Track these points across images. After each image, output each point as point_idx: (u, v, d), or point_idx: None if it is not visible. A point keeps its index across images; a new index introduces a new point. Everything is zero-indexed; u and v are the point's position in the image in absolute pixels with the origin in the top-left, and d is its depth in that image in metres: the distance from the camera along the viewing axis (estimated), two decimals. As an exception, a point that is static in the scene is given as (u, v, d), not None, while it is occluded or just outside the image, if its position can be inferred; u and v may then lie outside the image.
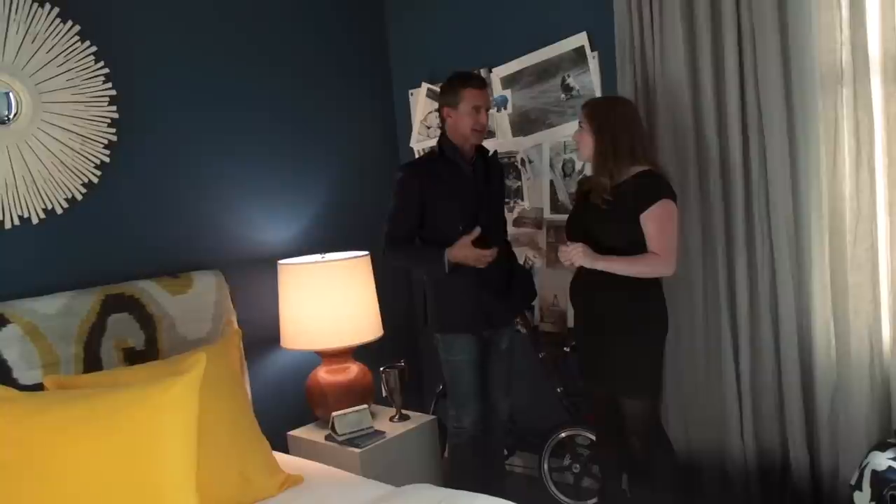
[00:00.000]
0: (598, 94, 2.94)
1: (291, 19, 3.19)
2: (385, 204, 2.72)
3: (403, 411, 2.99)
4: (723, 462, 2.76)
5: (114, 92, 2.51)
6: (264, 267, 2.98)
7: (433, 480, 2.75)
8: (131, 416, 1.82)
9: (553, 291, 3.20)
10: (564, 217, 2.75)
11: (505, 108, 3.25)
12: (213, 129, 2.86)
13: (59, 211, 2.39)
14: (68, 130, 2.40)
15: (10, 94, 2.28)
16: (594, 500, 2.88)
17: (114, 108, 2.51)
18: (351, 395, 2.87)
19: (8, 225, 2.29)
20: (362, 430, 2.79)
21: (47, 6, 2.34)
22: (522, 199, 3.28)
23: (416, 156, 3.51)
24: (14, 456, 1.75)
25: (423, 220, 2.65)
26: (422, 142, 3.53)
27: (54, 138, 2.37)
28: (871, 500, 2.11)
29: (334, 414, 2.79)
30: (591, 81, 2.97)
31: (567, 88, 3.06)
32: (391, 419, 2.96)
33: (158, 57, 2.69)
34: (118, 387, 1.95)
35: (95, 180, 2.48)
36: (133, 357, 2.41)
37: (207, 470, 1.97)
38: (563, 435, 3.01)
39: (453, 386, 2.73)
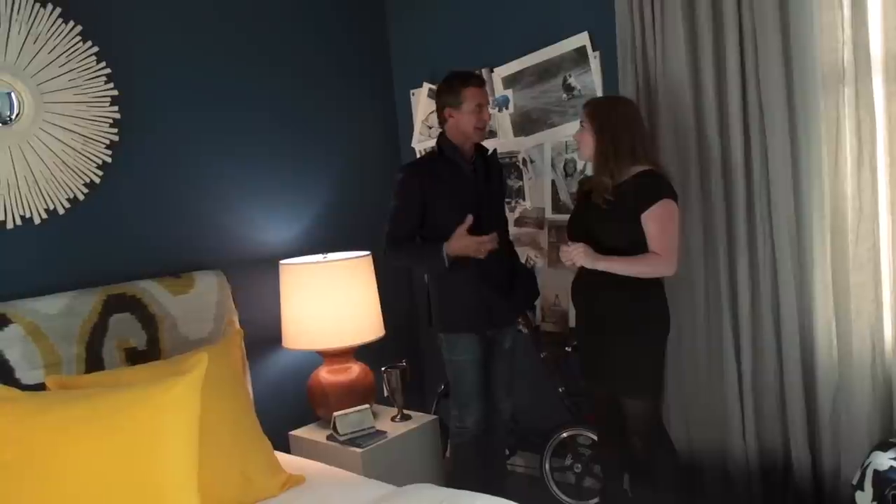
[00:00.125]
0: (599, 93, 2.94)
1: (292, 19, 3.19)
2: (386, 204, 2.72)
3: (405, 411, 2.99)
4: (724, 462, 2.76)
5: (115, 92, 2.51)
6: (266, 267, 2.99)
7: (435, 480, 2.75)
8: (133, 416, 1.82)
9: (555, 291, 3.20)
10: (566, 217, 2.75)
11: (506, 108, 3.25)
12: (214, 129, 2.87)
13: (60, 211, 2.40)
14: (70, 130, 2.41)
15: (13, 95, 2.28)
16: (595, 499, 2.88)
17: (115, 108, 2.52)
18: (352, 394, 2.87)
19: (10, 225, 2.29)
20: (364, 430, 2.79)
21: (49, 7, 2.34)
22: (524, 199, 3.28)
23: (418, 155, 3.51)
24: (16, 456, 1.75)
25: (424, 220, 2.65)
26: (423, 142, 3.53)
27: (56, 138, 2.37)
28: (873, 499, 2.11)
29: (336, 414, 2.79)
30: (592, 81, 2.97)
31: (568, 88, 3.06)
32: (393, 419, 2.96)
33: (160, 57, 2.69)
34: (120, 387, 1.95)
35: (97, 180, 2.48)
36: (135, 357, 2.41)
37: (209, 470, 1.97)
38: (564, 435, 3.01)
39: (456, 386, 2.73)
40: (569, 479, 3.03)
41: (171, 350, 2.49)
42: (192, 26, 2.81)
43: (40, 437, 1.77)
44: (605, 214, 2.38)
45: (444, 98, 2.64)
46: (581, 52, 2.98)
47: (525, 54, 3.14)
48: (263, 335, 2.96)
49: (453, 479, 2.76)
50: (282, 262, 2.93)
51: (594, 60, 2.95)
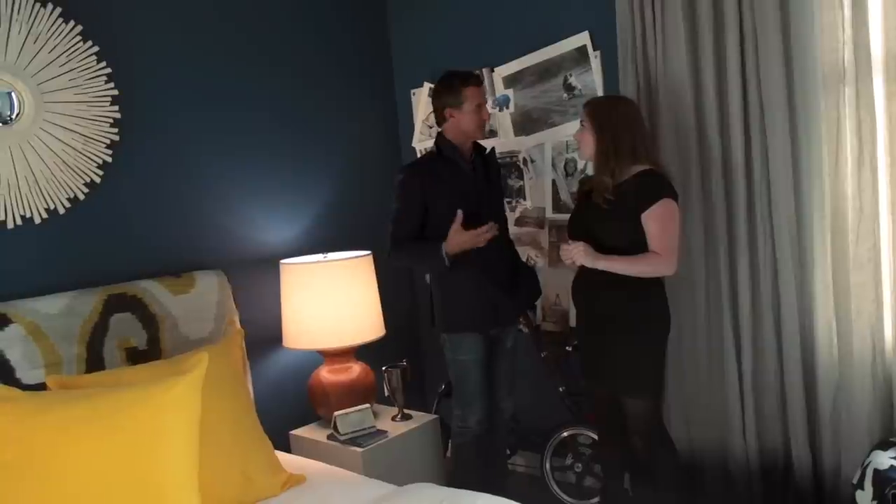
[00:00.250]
0: (599, 93, 2.94)
1: (293, 19, 3.19)
2: (387, 204, 2.72)
3: (405, 411, 2.99)
4: (725, 461, 2.76)
5: (116, 92, 2.51)
6: (266, 267, 2.99)
7: (435, 480, 2.75)
8: (133, 416, 1.82)
9: (555, 291, 3.20)
10: (566, 216, 2.75)
11: (507, 108, 3.25)
12: (215, 128, 2.87)
13: (61, 211, 2.40)
14: (70, 130, 2.41)
15: (13, 95, 2.28)
16: (596, 499, 2.88)
17: (116, 107, 2.52)
18: (353, 394, 2.87)
19: (10, 225, 2.29)
20: (364, 429, 2.80)
21: (49, 6, 2.34)
22: (525, 199, 3.28)
23: (419, 155, 3.51)
24: (16, 455, 1.75)
25: (425, 220, 2.65)
26: (424, 141, 3.53)
27: (56, 138, 2.37)
28: (874, 498, 2.11)
29: (336, 413, 2.79)
30: (593, 81, 2.97)
31: (569, 88, 3.06)
32: (393, 418, 2.96)
33: (160, 57, 2.69)
34: (120, 386, 1.95)
35: (98, 180, 2.48)
36: (135, 357, 2.41)
37: (210, 469, 1.97)
38: (565, 434, 3.01)
39: (460, 385, 2.73)
40: (569, 479, 3.04)
41: (171, 350, 2.49)
42: (193, 26, 2.81)
43: (41, 437, 1.78)
44: (605, 214, 2.38)
45: (444, 98, 2.64)
46: (582, 51, 2.98)
47: (526, 54, 3.14)
48: (264, 335, 2.96)
49: (454, 478, 2.76)
50: (282, 261, 2.93)
51: (595, 60, 2.95)
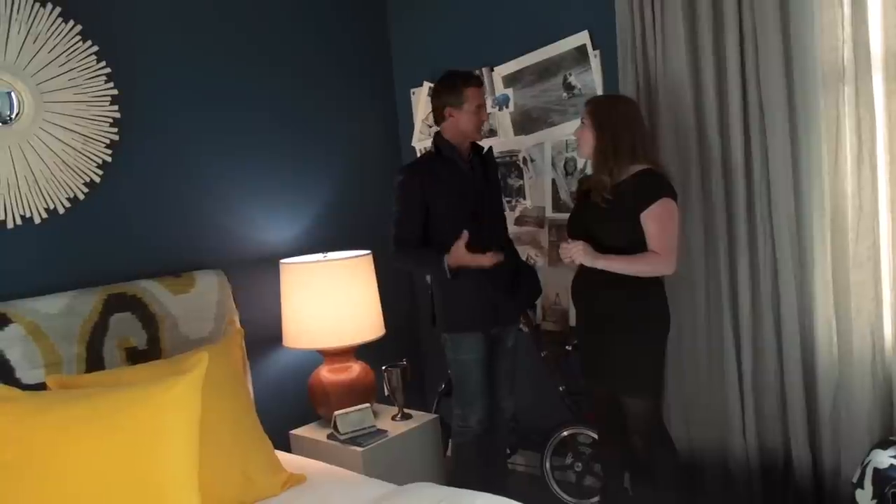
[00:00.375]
0: (599, 92, 2.93)
1: (292, 19, 3.19)
2: (387, 203, 2.72)
3: (405, 410, 2.99)
4: (725, 460, 2.76)
5: (115, 91, 2.51)
6: (266, 266, 2.99)
7: (435, 479, 2.76)
8: (133, 416, 1.82)
9: (555, 290, 3.20)
10: (566, 216, 2.75)
11: (507, 107, 3.25)
12: (214, 128, 2.87)
13: (61, 210, 2.40)
14: (70, 130, 2.41)
15: (12, 94, 2.28)
16: (596, 498, 2.88)
17: (115, 107, 2.52)
18: (353, 394, 2.87)
19: (10, 224, 2.29)
20: (364, 429, 2.80)
21: (49, 6, 2.34)
22: (524, 198, 3.28)
23: (419, 154, 3.51)
24: (16, 455, 1.75)
25: (427, 219, 2.65)
26: (423, 141, 3.53)
27: (56, 138, 2.37)
28: (873, 497, 2.11)
29: (336, 413, 2.79)
30: (592, 80, 2.97)
31: (569, 87, 3.06)
32: (393, 418, 2.96)
33: (160, 57, 2.69)
34: (120, 386, 1.95)
35: (97, 180, 2.48)
36: (135, 356, 2.41)
37: (210, 469, 1.97)
38: (565, 433, 3.01)
39: (461, 385, 2.73)
40: (569, 478, 3.04)
41: (171, 349, 2.49)
42: (193, 26, 2.81)
43: (41, 437, 1.78)
44: (604, 213, 2.38)
45: (445, 97, 2.64)
46: (581, 50, 2.98)
47: (525, 53, 3.14)
48: (264, 334, 2.96)
49: (454, 477, 2.76)
50: (282, 261, 2.93)
51: (594, 59, 2.95)
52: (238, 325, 2.71)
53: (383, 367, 2.97)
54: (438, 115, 2.69)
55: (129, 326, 2.41)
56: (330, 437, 2.81)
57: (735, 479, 2.73)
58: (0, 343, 2.13)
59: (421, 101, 3.51)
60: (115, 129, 2.52)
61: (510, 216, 3.22)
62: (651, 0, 2.66)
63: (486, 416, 2.75)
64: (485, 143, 2.87)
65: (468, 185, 2.67)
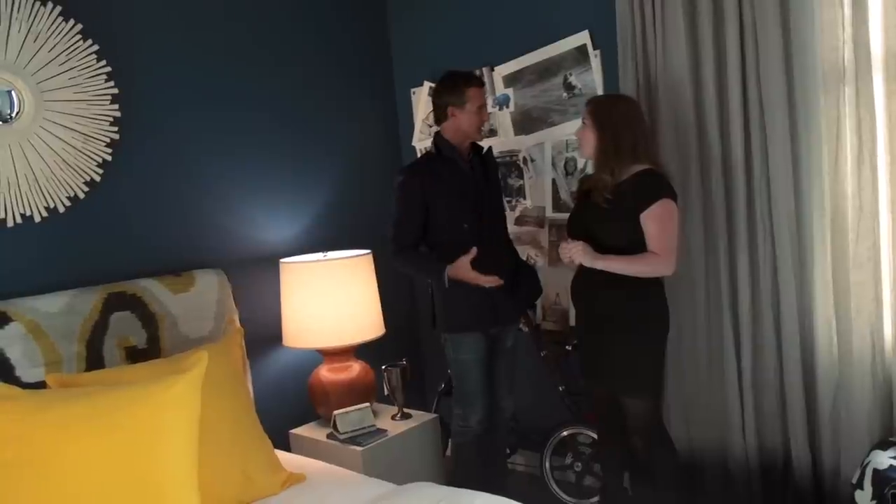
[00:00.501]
0: (600, 92, 2.93)
1: (293, 19, 3.19)
2: (387, 203, 2.73)
3: (405, 410, 2.99)
4: (725, 460, 2.76)
5: (116, 90, 2.51)
6: (266, 265, 2.99)
7: (435, 479, 2.76)
8: (133, 415, 1.82)
9: (555, 290, 3.20)
10: (566, 216, 2.75)
11: (507, 107, 3.25)
12: (215, 128, 2.87)
13: (61, 209, 2.40)
14: (70, 129, 2.41)
15: (13, 93, 2.28)
16: (596, 498, 2.88)
17: (116, 106, 2.52)
18: (353, 393, 2.87)
19: (10, 223, 2.29)
20: (364, 428, 2.80)
21: (49, 5, 2.34)
22: (524, 198, 3.28)
23: (419, 154, 3.51)
24: (16, 454, 1.75)
25: (427, 220, 2.65)
26: (424, 140, 3.53)
27: (56, 137, 2.38)
28: (873, 498, 2.11)
29: (336, 412, 2.79)
30: (593, 80, 2.97)
31: (569, 87, 3.05)
32: (393, 417, 2.96)
33: (160, 56, 2.69)
34: (120, 385, 1.95)
35: (98, 179, 2.48)
36: (135, 355, 2.41)
37: (209, 468, 1.97)
38: (564, 433, 3.01)
39: (461, 385, 2.73)
40: (569, 478, 3.03)
41: (171, 348, 2.49)
42: (193, 25, 2.81)
43: (41, 435, 1.78)
44: (604, 214, 2.38)
45: (447, 97, 2.64)
46: (582, 50, 2.98)
47: (525, 53, 3.14)
48: (264, 333, 2.96)
49: (454, 477, 2.76)
50: (282, 260, 2.93)
51: (595, 59, 2.95)
52: (238, 324, 2.71)
53: (383, 367, 2.97)
54: (440, 115, 2.69)
55: (128, 325, 2.41)
56: (329, 436, 2.81)
57: (735, 479, 2.73)
58: (0, 341, 2.13)
59: (421, 100, 3.51)
60: (116, 128, 2.52)
61: (510, 216, 3.22)
62: (651, -1, 2.66)
63: (486, 416, 2.75)
64: (485, 143, 2.87)
65: (468, 185, 2.67)
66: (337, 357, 2.91)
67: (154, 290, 2.50)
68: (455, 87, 2.63)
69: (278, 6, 3.13)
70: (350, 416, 2.79)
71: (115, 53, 2.52)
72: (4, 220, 2.28)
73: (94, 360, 2.32)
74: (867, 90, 2.31)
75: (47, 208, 2.37)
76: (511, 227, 3.08)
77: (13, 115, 2.29)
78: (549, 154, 3.16)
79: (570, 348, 2.96)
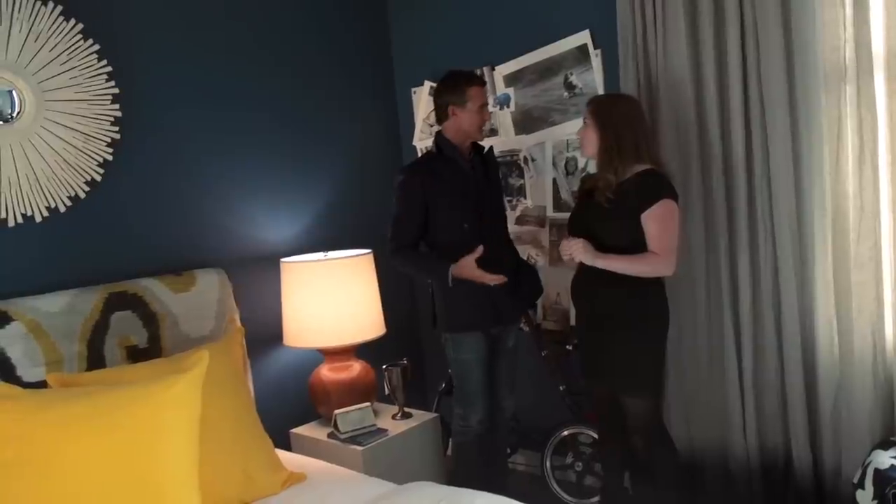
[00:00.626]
0: (600, 91, 2.93)
1: (293, 18, 3.19)
2: (388, 202, 2.72)
3: (406, 409, 2.99)
4: (725, 460, 2.76)
5: (116, 90, 2.52)
6: (267, 265, 2.99)
7: (436, 478, 2.76)
8: (134, 414, 1.83)
9: (556, 289, 3.20)
10: (567, 215, 2.75)
11: (507, 107, 3.25)
12: (216, 127, 2.87)
13: (62, 209, 2.40)
14: (71, 128, 2.41)
15: (14, 93, 2.28)
16: (596, 498, 2.88)
17: (116, 106, 2.52)
18: (353, 392, 2.88)
19: (11, 223, 2.29)
20: (365, 427, 2.80)
21: (50, 5, 2.34)
22: (525, 198, 3.28)
23: (419, 153, 3.51)
24: (17, 453, 1.76)
25: (427, 219, 2.65)
26: (424, 140, 3.53)
27: (57, 136, 2.38)
28: (874, 498, 2.11)
29: (337, 412, 2.79)
30: (593, 79, 2.97)
31: (570, 86, 3.05)
32: (394, 417, 2.96)
33: (161, 55, 2.69)
34: (121, 384, 1.95)
35: (98, 178, 2.49)
36: (136, 355, 2.41)
37: (210, 467, 1.98)
38: (565, 433, 3.01)
39: (462, 384, 2.73)
40: (570, 478, 3.03)
41: (172, 348, 2.49)
42: (194, 25, 2.81)
43: (41, 435, 1.78)
44: (605, 213, 2.37)
45: (448, 96, 2.64)
46: (582, 49, 2.98)
47: (526, 52, 3.14)
48: (264, 333, 2.96)
49: (454, 477, 2.76)
50: (283, 260, 2.94)
51: (595, 58, 2.95)
52: (238, 323, 2.71)
53: (384, 366, 2.97)
54: (441, 114, 2.68)
55: (129, 325, 2.42)
56: (330, 435, 2.81)
57: (735, 479, 2.73)
58: (1, 341, 2.13)
59: (422, 100, 3.51)
60: (116, 128, 2.52)
61: (511, 215, 3.22)
62: (652, -2, 2.66)
63: (487, 416, 2.75)
64: (486, 143, 2.87)
65: (469, 184, 2.67)
66: (338, 356, 2.91)
67: (155, 289, 2.50)
68: (456, 86, 2.63)
69: (279, 6, 3.13)
70: (351, 416, 2.79)
71: (116, 53, 2.52)
72: (6, 220, 2.28)
73: (95, 359, 2.32)
74: (868, 89, 2.31)
75: (48, 208, 2.37)
76: (512, 227, 3.07)
77: (14, 114, 2.29)
78: (549, 153, 3.16)
79: (570, 348, 2.96)
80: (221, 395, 2.16)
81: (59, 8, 2.37)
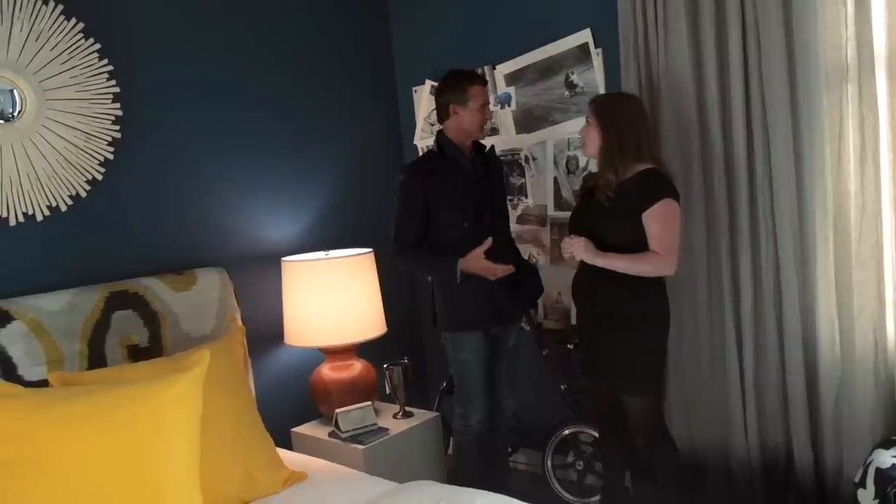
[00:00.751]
0: (601, 90, 2.93)
1: (294, 18, 3.19)
2: (389, 201, 2.72)
3: (407, 408, 2.99)
4: (727, 460, 2.75)
5: (117, 89, 2.52)
6: (268, 264, 2.99)
7: (436, 477, 2.76)
8: (135, 413, 1.83)
9: (557, 289, 3.20)
10: (568, 214, 2.75)
11: (509, 106, 3.25)
12: (217, 126, 2.87)
13: (63, 208, 2.40)
14: (72, 128, 2.41)
15: (15, 92, 2.29)
16: (597, 497, 2.88)
17: (117, 105, 2.52)
18: (355, 391, 2.88)
19: (13, 222, 2.30)
20: (366, 426, 2.80)
21: (51, 4, 2.35)
22: (526, 197, 3.28)
23: (420, 153, 3.51)
24: (18, 452, 1.76)
25: (428, 218, 2.65)
26: (425, 139, 3.53)
27: (58, 135, 2.38)
28: (875, 497, 2.10)
29: (338, 411, 2.79)
30: (594, 78, 2.97)
31: (571, 85, 3.05)
32: (395, 416, 2.96)
33: (162, 54, 2.69)
34: (122, 383, 1.95)
35: (99, 177, 2.49)
36: (137, 354, 2.41)
37: (211, 466, 1.98)
38: (566, 432, 3.01)
39: (462, 384, 2.73)
40: (571, 477, 3.04)
41: (173, 347, 2.49)
42: (195, 24, 2.81)
43: (42, 434, 1.78)
44: (607, 212, 2.37)
45: (449, 95, 2.64)
46: (584, 48, 2.98)
47: (527, 51, 3.13)
48: (266, 332, 2.96)
49: (455, 476, 2.76)
50: (284, 259, 2.94)
51: (597, 57, 2.95)
52: (240, 322, 2.72)
53: (385, 365, 2.97)
54: (442, 113, 2.68)
55: (130, 324, 2.42)
56: (331, 434, 2.81)
57: (737, 478, 2.73)
58: (3, 340, 2.14)
59: (423, 99, 3.51)
60: (117, 127, 2.52)
61: (512, 214, 3.22)
62: (653, -3, 2.66)
63: (487, 416, 2.75)
64: (487, 142, 2.87)
65: (471, 183, 2.66)
66: (339, 355, 2.91)
67: (156, 288, 2.50)
68: (457, 84, 2.62)
69: (279, 5, 3.13)
70: (352, 415, 2.79)
71: (117, 52, 2.52)
72: (7, 219, 2.28)
73: (96, 358, 2.33)
74: (870, 88, 2.30)
75: (49, 207, 2.37)
76: (513, 226, 3.07)
77: (15, 113, 2.29)
78: (550, 152, 3.16)
79: (571, 347, 2.96)
80: (222, 394, 2.16)
81: (60, 7, 2.37)
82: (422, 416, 2.97)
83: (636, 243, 2.35)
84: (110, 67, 2.50)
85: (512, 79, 3.21)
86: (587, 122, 2.45)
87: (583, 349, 2.60)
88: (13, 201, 2.29)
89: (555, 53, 3.06)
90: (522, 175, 3.27)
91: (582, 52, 2.99)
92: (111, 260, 2.52)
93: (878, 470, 2.12)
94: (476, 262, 2.55)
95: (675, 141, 2.68)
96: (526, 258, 3.17)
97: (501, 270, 2.55)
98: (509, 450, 3.09)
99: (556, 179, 3.16)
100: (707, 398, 2.76)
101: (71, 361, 2.26)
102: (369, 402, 2.88)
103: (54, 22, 2.35)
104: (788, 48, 2.45)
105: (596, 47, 2.94)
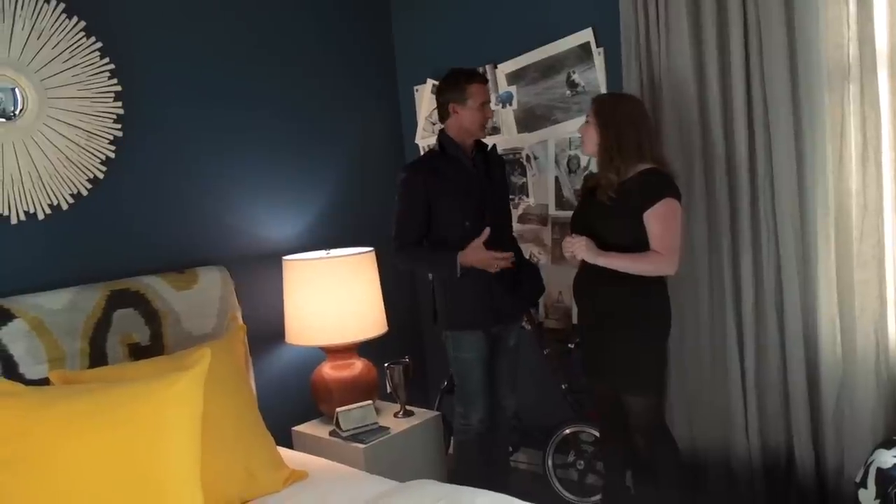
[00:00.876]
0: (603, 90, 2.93)
1: (295, 17, 3.19)
2: (390, 200, 2.72)
3: (408, 407, 2.99)
4: (728, 459, 2.75)
5: (119, 88, 2.52)
6: (269, 263, 2.99)
7: (437, 476, 2.76)
8: (136, 411, 1.83)
9: (558, 288, 3.20)
10: (569, 213, 2.75)
11: (510, 105, 3.25)
12: (218, 126, 2.87)
13: (64, 206, 2.40)
14: (74, 126, 2.41)
15: (16, 90, 2.29)
16: (598, 496, 2.88)
17: (119, 104, 2.52)
18: (355, 390, 2.88)
19: (14, 220, 2.30)
20: (367, 425, 2.80)
21: (53, 3, 2.35)
22: (527, 196, 3.28)
23: (422, 152, 3.51)
24: (19, 450, 1.76)
25: (429, 217, 2.65)
26: (427, 138, 3.53)
27: (60, 134, 2.38)
28: (876, 497, 2.10)
29: (339, 410, 2.79)
30: (596, 78, 2.97)
31: (572, 85, 3.05)
32: (396, 415, 2.96)
33: (164, 53, 2.69)
34: (123, 382, 1.96)
35: (101, 176, 2.49)
36: (138, 352, 2.42)
37: (212, 465, 1.98)
38: (567, 431, 3.01)
39: (462, 383, 2.73)
40: (571, 476, 3.03)
41: (174, 345, 2.49)
42: (196, 23, 2.81)
43: (43, 432, 1.78)
44: (608, 211, 2.37)
45: (449, 94, 2.64)
46: (585, 48, 2.97)
47: (529, 50, 3.13)
48: (266, 331, 2.96)
49: (456, 475, 2.76)
50: (285, 257, 2.94)
51: (598, 57, 2.95)
52: (241, 321, 2.72)
53: (386, 364, 2.98)
54: (443, 112, 2.68)
55: (131, 322, 2.42)
56: (332, 433, 2.81)
57: (738, 478, 2.73)
58: (4, 338, 2.14)
59: (424, 98, 3.51)
60: (119, 126, 2.53)
61: (513, 214, 3.21)
62: (655, -3, 2.66)
63: (487, 415, 2.75)
64: (488, 141, 2.87)
65: (472, 183, 2.66)
66: (340, 354, 2.91)
67: (157, 287, 2.50)
68: (457, 83, 2.62)
69: (281, 5, 3.13)
70: (352, 414, 2.79)
71: (118, 51, 2.52)
72: (8, 218, 2.29)
73: (98, 356, 2.33)
74: (872, 87, 2.30)
75: (51, 205, 2.37)
76: (514, 225, 3.07)
77: (17, 112, 2.29)
78: (552, 152, 3.16)
79: (572, 346, 2.96)
80: (223, 393, 2.16)
81: (62, 6, 2.37)
82: (422, 415, 2.97)
83: (637, 243, 2.34)
84: (112, 66, 2.50)
85: (513, 78, 3.21)
86: (587, 120, 2.45)
87: (584, 348, 2.60)
88: (15, 200, 2.29)
89: (556, 53, 3.06)
90: (524, 174, 3.27)
91: (583, 52, 2.98)
92: (112, 258, 2.52)
93: (879, 470, 2.12)
94: (475, 253, 2.54)
95: (676, 141, 2.68)
96: (527, 257, 3.17)
97: (501, 259, 2.54)
98: (510, 449, 3.09)
99: (557, 179, 3.16)
100: (708, 398, 2.76)
101: (72, 360, 2.27)
102: (370, 401, 2.88)
103: (56, 20, 2.36)
104: (790, 47, 2.45)
105: (597, 47, 2.94)
